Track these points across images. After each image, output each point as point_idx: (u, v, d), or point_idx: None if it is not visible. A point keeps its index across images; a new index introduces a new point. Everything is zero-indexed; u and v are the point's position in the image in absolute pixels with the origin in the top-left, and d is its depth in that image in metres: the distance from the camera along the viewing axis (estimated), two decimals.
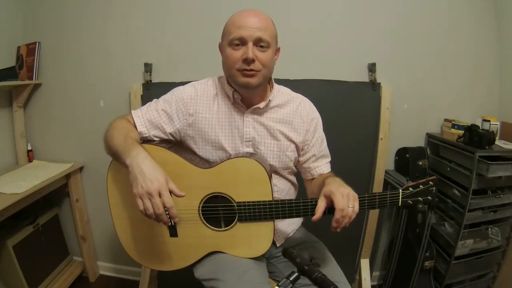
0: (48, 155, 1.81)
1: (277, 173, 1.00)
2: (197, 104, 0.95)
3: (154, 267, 0.99)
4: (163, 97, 0.99)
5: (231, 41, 0.86)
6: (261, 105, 0.94)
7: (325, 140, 1.06)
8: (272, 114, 0.97)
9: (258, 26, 0.85)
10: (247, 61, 0.85)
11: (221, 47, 0.93)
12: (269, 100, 0.95)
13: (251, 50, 0.84)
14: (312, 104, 1.05)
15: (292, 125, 0.98)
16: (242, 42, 0.85)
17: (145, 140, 0.97)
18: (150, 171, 0.76)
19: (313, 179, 1.06)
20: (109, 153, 0.90)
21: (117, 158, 0.86)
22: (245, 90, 0.91)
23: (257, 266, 0.92)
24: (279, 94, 1.00)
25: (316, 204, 0.84)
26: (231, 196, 0.89)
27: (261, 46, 0.86)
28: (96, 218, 1.90)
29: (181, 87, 0.99)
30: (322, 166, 1.05)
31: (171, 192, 0.77)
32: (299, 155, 1.03)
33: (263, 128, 0.96)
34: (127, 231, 0.96)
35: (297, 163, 1.05)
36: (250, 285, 0.82)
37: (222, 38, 0.92)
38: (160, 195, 0.75)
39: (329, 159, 1.08)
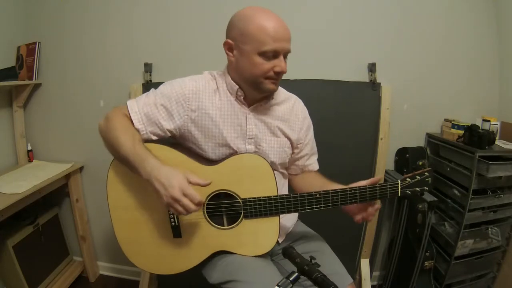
0: (48, 155, 1.81)
1: (276, 170, 1.01)
2: (200, 99, 0.92)
3: (160, 271, 0.97)
4: (161, 90, 0.93)
5: (265, 52, 0.84)
6: (264, 103, 0.96)
7: (314, 138, 1.10)
8: (271, 112, 0.99)
9: (289, 38, 0.87)
10: (281, 74, 0.87)
11: (240, 50, 0.87)
12: (272, 98, 0.97)
13: (285, 64, 0.87)
14: (303, 104, 1.08)
15: (289, 123, 1.01)
16: (275, 55, 0.85)
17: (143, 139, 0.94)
18: (168, 178, 0.78)
19: (301, 175, 1.10)
20: (114, 155, 0.89)
21: (126, 164, 0.86)
22: (265, 93, 0.93)
23: (268, 265, 0.93)
24: (277, 92, 1.00)
25: (320, 197, 0.89)
26: (236, 193, 0.89)
27: (285, 57, 0.88)
28: (96, 218, 1.90)
29: (179, 80, 0.94)
30: (313, 164, 1.10)
31: (197, 184, 0.80)
32: (293, 153, 1.05)
33: (263, 125, 0.97)
34: (127, 234, 0.93)
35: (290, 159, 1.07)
36: (268, 282, 0.82)
37: (244, 41, 0.85)
38: (185, 195, 0.77)
39: (317, 156, 1.12)
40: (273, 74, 0.86)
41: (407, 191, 0.92)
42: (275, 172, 1.00)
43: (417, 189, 0.92)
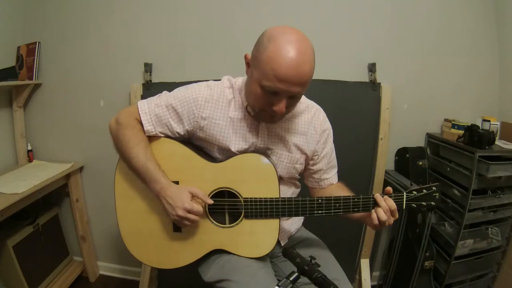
0: (48, 155, 1.81)
1: (281, 179, 0.99)
2: (212, 108, 0.90)
3: (155, 264, 0.98)
4: (175, 93, 0.92)
5: (264, 87, 0.77)
6: None
7: (334, 151, 1.05)
8: (287, 124, 0.94)
9: (300, 82, 0.76)
10: (276, 113, 0.80)
11: (249, 71, 0.84)
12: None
13: (283, 106, 0.79)
14: (325, 114, 1.02)
15: (307, 136, 0.96)
16: (276, 93, 0.78)
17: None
18: (174, 200, 0.84)
19: (320, 189, 1.06)
20: (123, 161, 0.91)
21: (135, 174, 0.90)
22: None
23: (265, 267, 0.92)
24: None
25: (322, 203, 0.87)
26: (238, 192, 0.89)
27: (293, 97, 0.81)
28: (96, 218, 1.90)
29: (195, 86, 0.91)
30: (331, 177, 1.05)
31: (200, 200, 0.87)
32: (307, 164, 1.01)
33: (277, 139, 0.94)
34: (130, 224, 0.95)
35: (303, 172, 1.04)
36: (262, 285, 0.82)
37: (254, 65, 0.80)
38: (190, 212, 0.84)
39: (337, 169, 1.07)
40: (270, 110, 0.80)
41: (413, 205, 0.88)
42: (281, 181, 0.99)
43: (423, 203, 0.88)
